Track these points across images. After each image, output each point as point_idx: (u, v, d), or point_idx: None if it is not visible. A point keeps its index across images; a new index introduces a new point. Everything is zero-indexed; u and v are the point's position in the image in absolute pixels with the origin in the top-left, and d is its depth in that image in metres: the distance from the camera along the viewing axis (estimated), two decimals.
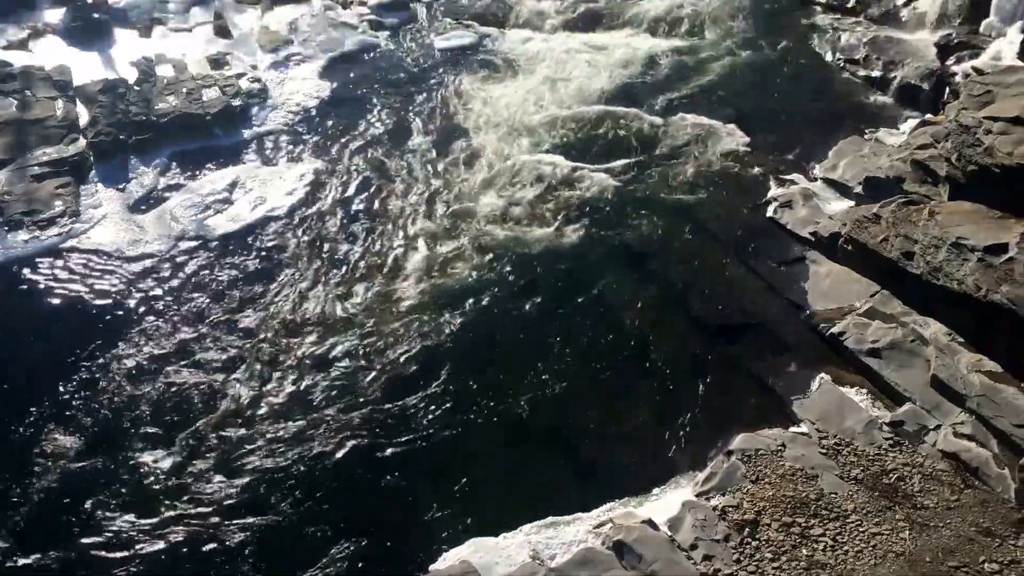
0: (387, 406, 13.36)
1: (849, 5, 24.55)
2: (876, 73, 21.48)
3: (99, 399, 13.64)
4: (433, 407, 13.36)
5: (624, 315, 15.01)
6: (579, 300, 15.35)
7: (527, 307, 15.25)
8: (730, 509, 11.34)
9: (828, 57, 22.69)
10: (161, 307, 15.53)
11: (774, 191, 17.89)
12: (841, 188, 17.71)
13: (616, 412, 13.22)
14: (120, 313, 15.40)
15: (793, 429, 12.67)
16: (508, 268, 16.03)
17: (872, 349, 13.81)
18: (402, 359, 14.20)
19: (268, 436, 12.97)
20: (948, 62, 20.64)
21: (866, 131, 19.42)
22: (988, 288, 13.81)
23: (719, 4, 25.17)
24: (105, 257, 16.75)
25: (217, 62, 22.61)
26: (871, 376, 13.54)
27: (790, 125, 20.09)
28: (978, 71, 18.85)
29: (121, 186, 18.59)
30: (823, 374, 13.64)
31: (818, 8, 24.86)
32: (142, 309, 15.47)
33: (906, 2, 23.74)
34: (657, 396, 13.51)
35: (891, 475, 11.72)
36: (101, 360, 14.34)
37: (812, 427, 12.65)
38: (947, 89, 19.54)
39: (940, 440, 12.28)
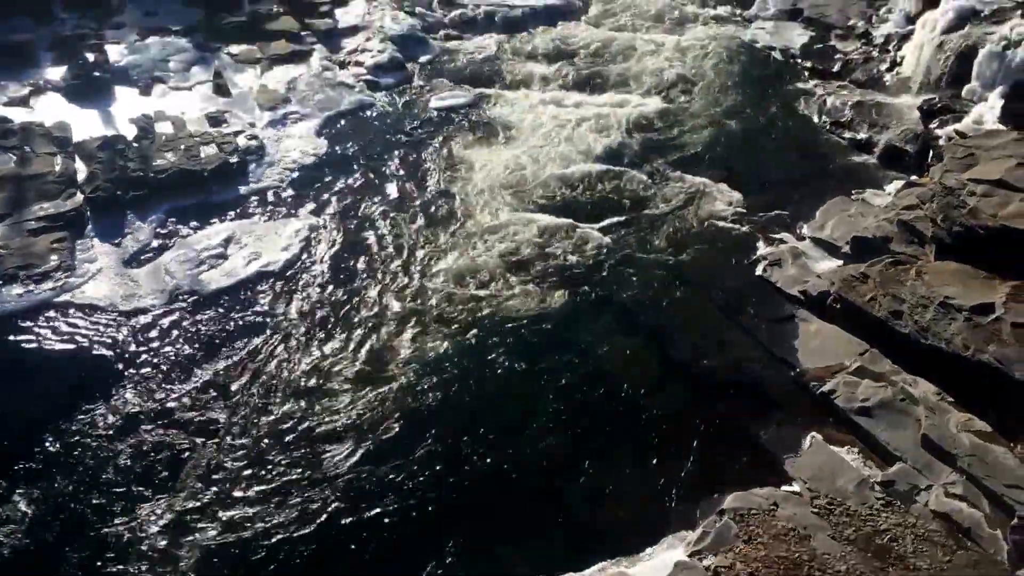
0: (372, 468, 13.30)
1: (835, 70, 25.19)
2: (862, 136, 21.95)
3: (78, 455, 13.56)
4: (421, 467, 13.33)
5: (614, 372, 15.08)
6: (569, 357, 15.42)
7: (517, 364, 15.30)
8: (722, 570, 11.29)
9: (815, 120, 23.18)
10: (150, 363, 15.52)
11: (763, 249, 18.14)
12: (829, 247, 17.97)
13: (607, 470, 13.21)
14: (108, 368, 15.38)
15: (785, 488, 12.68)
16: (498, 326, 16.12)
17: (862, 408, 13.89)
18: (389, 420, 14.18)
19: (246, 499, 12.89)
20: (932, 125, 21.14)
21: (853, 192, 19.78)
22: (976, 348, 13.98)
23: (708, 67, 25.76)
24: (98, 311, 16.77)
25: (215, 120, 22.94)
26: (862, 435, 13.60)
27: (779, 185, 20.43)
28: (961, 134, 19.33)
29: (117, 241, 18.71)
30: (814, 432, 13.70)
31: (805, 72, 25.49)
32: (131, 364, 15.45)
33: (890, 67, 24.39)
34: (648, 454, 13.51)
35: (884, 536, 11.71)
36: (86, 415, 14.27)
37: (804, 486, 12.67)
38: (931, 152, 19.98)
39: (932, 500, 12.31)
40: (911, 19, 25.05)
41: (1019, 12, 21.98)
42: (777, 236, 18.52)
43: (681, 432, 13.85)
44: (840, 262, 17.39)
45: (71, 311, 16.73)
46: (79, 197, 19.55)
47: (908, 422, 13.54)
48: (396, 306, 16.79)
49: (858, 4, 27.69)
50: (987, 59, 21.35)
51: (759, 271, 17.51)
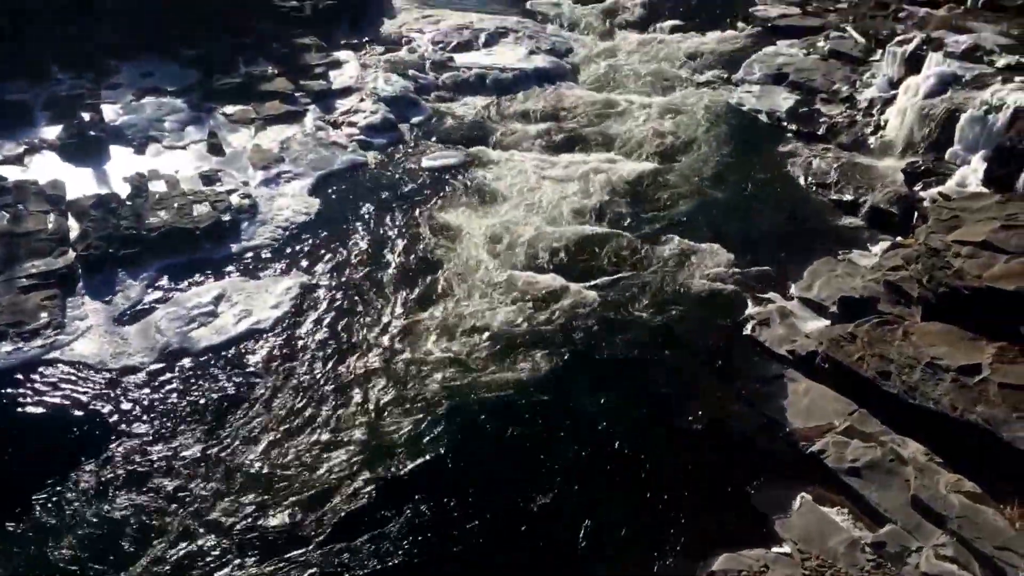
0: (356, 534, 13.19)
1: (820, 133, 25.65)
2: (848, 197, 22.27)
3: (62, 515, 13.42)
4: (414, 528, 13.22)
5: (605, 432, 15.06)
6: (559, 417, 15.41)
7: (506, 425, 15.26)
8: None
9: (801, 181, 23.52)
10: (137, 422, 15.45)
11: (752, 309, 18.26)
12: (817, 307, 18.10)
13: (596, 530, 13.12)
14: (94, 427, 15.32)
15: (776, 549, 12.61)
16: (486, 387, 16.12)
17: (852, 468, 13.88)
18: (376, 484, 14.11)
19: (222, 564, 12.75)
20: (916, 187, 21.48)
21: (839, 252, 20.01)
22: (964, 408, 14.05)
23: (696, 129, 26.19)
24: (87, 369, 16.75)
25: (209, 178, 23.15)
26: (852, 495, 13.57)
27: (766, 245, 20.64)
28: (945, 197, 19.64)
29: (107, 298, 18.73)
30: (804, 493, 13.66)
31: (790, 135, 25.94)
32: (118, 424, 15.38)
33: (874, 131, 24.86)
34: (638, 514, 13.44)
35: None
36: (71, 474, 14.18)
37: (795, 547, 12.60)
38: (916, 213, 20.25)
39: (922, 562, 12.24)
40: (894, 84, 25.57)
41: (999, 78, 22.48)
42: (765, 296, 18.66)
43: (671, 492, 13.80)
44: (828, 322, 17.51)
45: (60, 369, 16.69)
46: (71, 255, 19.60)
47: (898, 483, 13.53)
48: (384, 367, 16.79)
49: (842, 69, 28.28)
50: (969, 123, 21.77)
51: (748, 331, 17.61)
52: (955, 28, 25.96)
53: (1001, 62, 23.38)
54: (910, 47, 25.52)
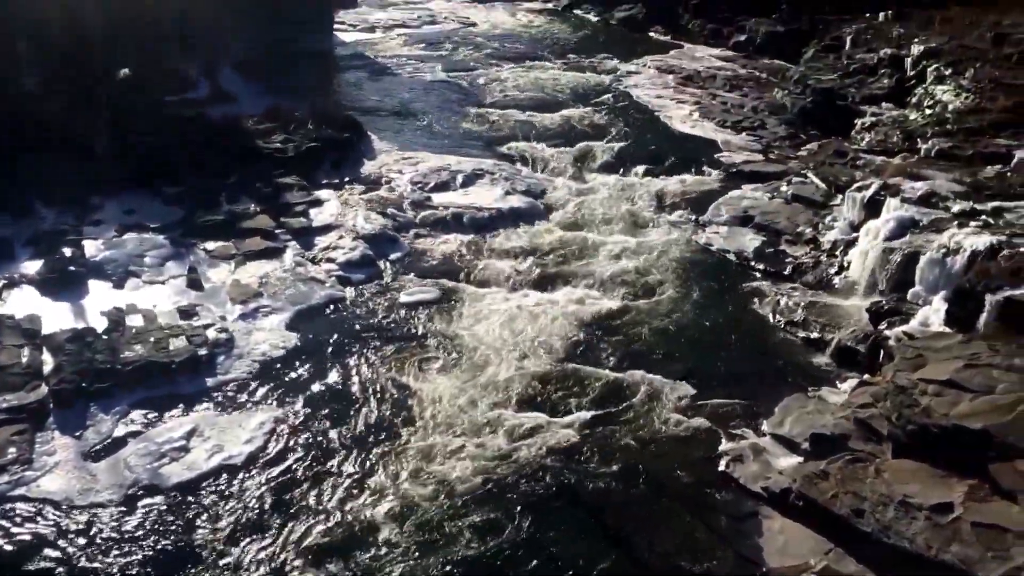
0: None
1: (786, 272, 26.47)
2: (815, 335, 22.82)
3: None
4: None
5: (578, 572, 14.85)
6: (533, 560, 15.21)
7: (483, 566, 15.04)
8: None
9: (770, 319, 24.10)
10: (99, 562, 15.06)
11: (725, 445, 18.40)
12: (789, 444, 18.26)
13: None
14: (56, 566, 14.90)
15: None
16: (460, 532, 15.97)
17: None
18: None
19: None
20: (880, 326, 22.07)
21: (810, 389, 20.35)
22: (939, 548, 14.09)
23: (666, 268, 26.91)
24: (52, 506, 16.41)
25: (187, 313, 23.32)
26: None
27: (738, 382, 20.96)
28: (909, 336, 20.23)
29: (78, 433, 18.52)
30: None
31: (758, 274, 26.72)
32: (79, 564, 14.97)
33: (838, 271, 25.73)
34: None
35: None
36: None
37: None
38: (882, 351, 20.72)
39: None
40: (855, 227, 26.65)
41: (955, 223, 23.56)
42: (738, 432, 18.84)
43: None
44: (801, 459, 17.64)
45: (25, 506, 16.35)
46: (43, 389, 19.49)
47: None
48: (355, 511, 16.61)
49: (805, 213, 29.48)
50: (928, 265, 22.65)
51: (722, 467, 17.69)
52: (911, 175, 27.33)
53: (956, 208, 24.55)
54: (869, 192, 26.78)
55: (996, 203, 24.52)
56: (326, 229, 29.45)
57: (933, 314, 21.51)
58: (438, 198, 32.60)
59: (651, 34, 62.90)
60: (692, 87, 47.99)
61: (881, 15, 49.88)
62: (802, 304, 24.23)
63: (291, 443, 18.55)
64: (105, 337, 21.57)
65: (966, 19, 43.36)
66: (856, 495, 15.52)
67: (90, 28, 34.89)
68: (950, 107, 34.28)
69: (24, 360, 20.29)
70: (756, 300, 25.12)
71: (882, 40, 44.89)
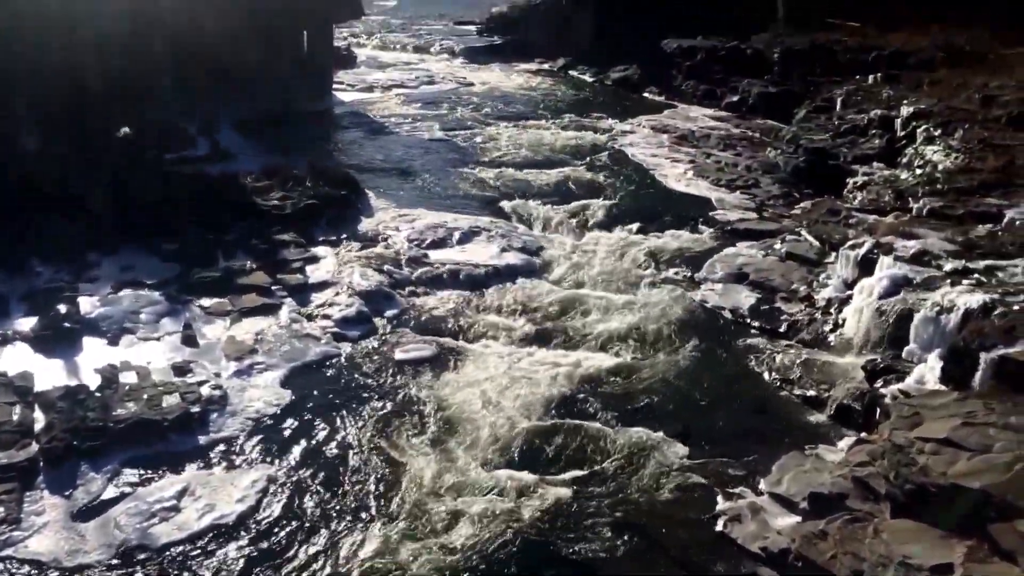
0: None
1: (781, 330, 26.50)
2: (811, 393, 22.77)
3: None
4: None
5: None
6: None
7: None
8: None
9: (766, 376, 24.06)
10: None
11: (722, 505, 18.21)
12: (787, 503, 18.07)
13: None
14: None
15: None
16: None
17: None
18: None
19: None
20: (877, 384, 22.03)
21: (806, 447, 20.23)
22: None
23: (661, 324, 26.92)
24: (40, 567, 16.17)
25: (181, 370, 23.24)
26: None
27: (734, 440, 20.85)
28: (905, 393, 20.20)
29: (67, 492, 18.30)
30: None
31: (753, 331, 26.76)
32: None
33: (833, 328, 25.77)
34: None
35: None
36: None
37: None
38: (878, 409, 20.65)
39: None
40: (849, 285, 26.77)
41: (948, 281, 23.66)
42: (735, 491, 18.67)
43: None
44: (799, 518, 17.45)
45: (11, 566, 16.08)
46: (33, 447, 19.32)
47: None
48: (346, 569, 16.35)
49: (799, 270, 29.63)
50: (923, 324, 22.68)
51: (719, 527, 17.49)
52: (903, 234, 27.55)
53: (948, 266, 24.68)
54: (862, 251, 26.96)
55: (988, 262, 24.65)
56: (323, 286, 29.53)
57: (928, 372, 21.49)
58: (435, 255, 32.76)
59: (646, 95, 63.92)
60: (686, 146, 48.63)
61: (871, 77, 50.68)
62: (798, 361, 24.22)
63: (283, 503, 18.33)
64: (98, 394, 21.46)
65: (954, 81, 44.06)
66: (855, 556, 15.32)
67: (91, 87, 35.43)
68: (940, 167, 34.69)
69: (15, 418, 20.16)
70: (752, 357, 25.10)
71: (872, 101, 45.58)
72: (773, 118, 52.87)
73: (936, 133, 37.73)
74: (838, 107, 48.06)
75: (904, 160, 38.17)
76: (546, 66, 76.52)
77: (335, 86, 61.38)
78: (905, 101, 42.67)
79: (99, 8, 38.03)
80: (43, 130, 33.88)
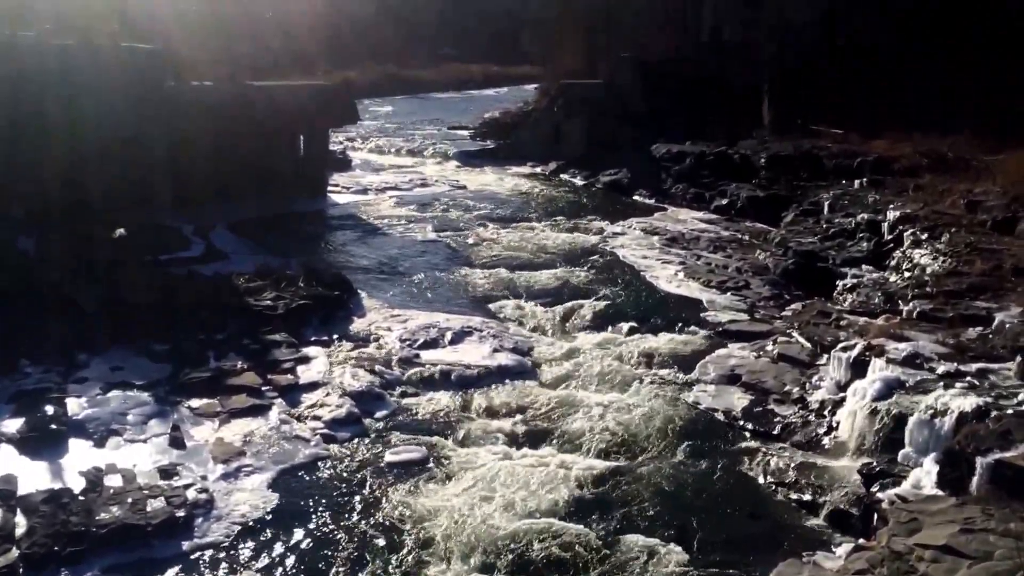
0: None
1: (775, 432, 26.32)
2: (807, 497, 22.46)
3: None
4: None
5: None
6: None
7: None
8: None
9: (760, 480, 23.77)
10: None
11: None
12: None
13: None
14: None
15: None
16: None
17: None
18: None
19: None
20: (873, 488, 21.77)
21: (804, 554, 19.82)
22: None
23: (654, 426, 26.71)
24: None
25: (167, 472, 22.87)
26: None
27: (730, 546, 20.45)
28: (902, 499, 19.94)
29: None
30: None
31: (747, 434, 26.56)
32: None
33: (827, 431, 25.61)
34: None
35: None
36: None
37: None
38: (875, 515, 20.34)
39: None
40: (842, 387, 26.69)
41: (941, 384, 23.67)
42: None
43: None
44: None
45: None
46: (14, 553, 18.84)
47: None
48: None
49: (791, 372, 29.61)
50: (917, 427, 22.57)
51: None
52: (894, 336, 27.65)
53: (941, 369, 24.70)
54: (854, 353, 27.03)
55: (980, 364, 24.72)
56: (313, 386, 29.36)
57: (925, 476, 21.27)
58: (426, 355, 32.70)
59: (636, 197, 65.04)
60: (677, 248, 49.21)
61: (856, 182, 51.87)
62: (793, 465, 23.97)
63: None
64: (82, 498, 21.06)
65: (939, 187, 45.09)
66: None
67: (90, 191, 36.02)
68: (928, 270, 35.17)
69: None
70: (746, 460, 24.84)
71: (859, 205, 46.53)
72: (762, 221, 53.70)
73: (923, 237, 38.38)
74: (825, 211, 48.97)
75: (892, 263, 38.72)
76: (538, 169, 78.04)
77: (330, 188, 62.40)
78: (891, 205, 43.56)
79: (102, 113, 38.97)
80: (39, 233, 34.23)
